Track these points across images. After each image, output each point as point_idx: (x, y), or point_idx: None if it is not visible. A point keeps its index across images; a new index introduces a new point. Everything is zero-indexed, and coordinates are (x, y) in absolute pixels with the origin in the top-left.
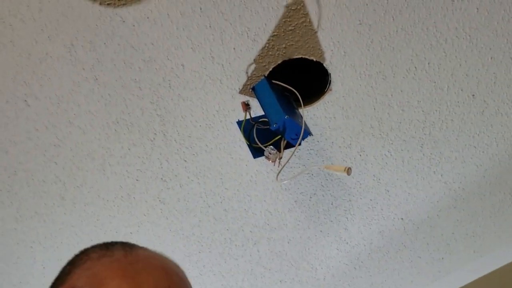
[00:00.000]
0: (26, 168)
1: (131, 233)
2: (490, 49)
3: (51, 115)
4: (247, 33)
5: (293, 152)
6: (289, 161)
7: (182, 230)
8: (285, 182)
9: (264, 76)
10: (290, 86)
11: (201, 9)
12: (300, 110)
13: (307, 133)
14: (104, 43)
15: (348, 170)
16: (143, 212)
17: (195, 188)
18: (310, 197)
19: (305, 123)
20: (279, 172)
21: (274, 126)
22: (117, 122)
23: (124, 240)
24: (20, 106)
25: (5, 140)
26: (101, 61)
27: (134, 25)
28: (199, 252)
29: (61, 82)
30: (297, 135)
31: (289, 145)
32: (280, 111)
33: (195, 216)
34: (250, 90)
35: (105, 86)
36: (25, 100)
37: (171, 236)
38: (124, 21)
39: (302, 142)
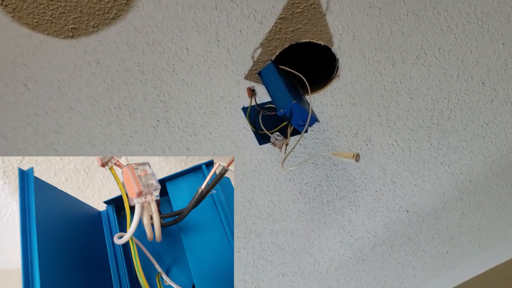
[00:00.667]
0: (25, 155)
1: None
2: (501, 35)
3: (51, 100)
4: (253, 15)
5: (300, 138)
6: (295, 149)
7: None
8: (291, 169)
9: (271, 60)
10: (297, 72)
11: None
12: (307, 97)
13: (314, 119)
14: (107, 25)
15: (357, 157)
16: None
17: None
18: (315, 188)
19: (312, 109)
20: (285, 158)
21: (281, 112)
22: (119, 108)
23: None
24: (19, 90)
25: (4, 126)
26: (104, 43)
27: (138, 6)
28: None
29: (62, 65)
30: (304, 121)
31: (295, 132)
32: (287, 96)
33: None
34: (256, 75)
35: (107, 70)
36: (25, 84)
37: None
38: (127, 2)
39: (308, 130)
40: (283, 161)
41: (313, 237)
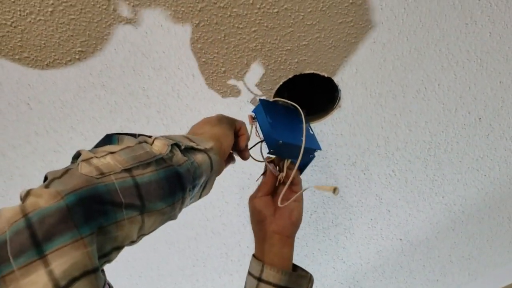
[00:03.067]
0: (23, 173)
1: None
2: (499, 73)
3: (53, 120)
4: (261, 48)
5: (292, 174)
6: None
7: (178, 243)
8: (285, 204)
9: (259, 100)
10: (295, 103)
11: (216, 22)
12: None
13: (314, 148)
14: (115, 49)
15: (335, 190)
16: None
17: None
18: (311, 214)
19: (314, 136)
20: (282, 196)
21: (271, 152)
22: (121, 129)
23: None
24: (22, 109)
25: (4, 143)
26: (110, 67)
27: (146, 32)
28: (194, 266)
29: (66, 87)
30: (310, 156)
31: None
32: (272, 137)
33: (192, 229)
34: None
35: (112, 93)
36: (28, 103)
37: (166, 249)
38: (136, 28)
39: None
40: (280, 199)
41: (306, 263)
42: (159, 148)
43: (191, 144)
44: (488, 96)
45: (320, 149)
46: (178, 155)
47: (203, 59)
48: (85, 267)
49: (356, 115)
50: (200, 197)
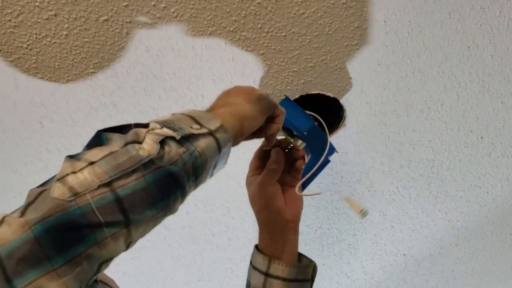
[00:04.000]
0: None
1: (132, 258)
2: (501, 94)
3: (64, 138)
4: (268, 69)
5: (319, 163)
6: None
7: (184, 258)
8: (304, 193)
9: (285, 95)
10: (311, 112)
11: (225, 43)
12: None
13: (333, 148)
14: (127, 70)
15: (363, 213)
16: (146, 238)
17: (201, 215)
18: (316, 230)
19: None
20: (301, 182)
21: (304, 134)
22: None
23: (125, 267)
24: (34, 127)
25: (15, 160)
26: (122, 87)
27: (158, 55)
28: (199, 281)
29: (78, 106)
30: (323, 149)
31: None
32: (308, 119)
33: (198, 244)
34: None
35: (123, 112)
36: (40, 122)
37: (172, 263)
38: (148, 50)
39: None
40: (298, 186)
41: None
42: (148, 147)
43: (191, 131)
44: (490, 116)
45: (336, 151)
46: (172, 150)
47: (212, 79)
48: None
49: (360, 134)
50: (212, 175)
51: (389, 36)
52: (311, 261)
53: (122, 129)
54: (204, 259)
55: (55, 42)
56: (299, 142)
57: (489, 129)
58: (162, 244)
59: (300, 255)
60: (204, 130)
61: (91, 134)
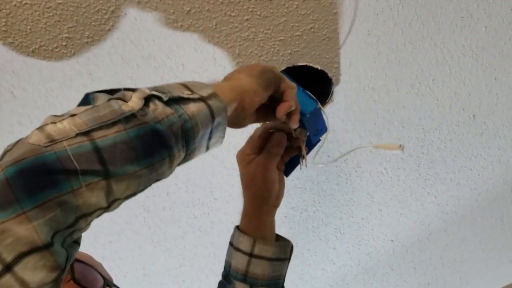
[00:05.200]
0: None
1: (110, 241)
2: (494, 69)
3: (37, 109)
4: (253, 37)
5: (323, 142)
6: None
7: (164, 242)
8: (321, 165)
9: (283, 70)
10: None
11: (208, 9)
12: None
13: (326, 127)
14: (103, 36)
15: (401, 147)
16: (125, 219)
17: (182, 196)
18: (301, 213)
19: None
20: (315, 156)
21: (306, 117)
22: None
23: (104, 251)
24: (5, 97)
25: None
26: (97, 55)
27: (136, 19)
28: (180, 266)
29: (52, 75)
30: (319, 130)
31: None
32: (311, 100)
33: (179, 227)
34: None
35: (99, 82)
36: (12, 92)
37: (152, 247)
38: (126, 14)
39: None
40: (305, 161)
41: (295, 264)
42: (132, 103)
43: (180, 94)
44: (482, 93)
45: (327, 130)
46: (158, 109)
47: (193, 47)
48: (33, 243)
49: (348, 110)
50: (208, 148)
51: (379, 3)
52: (288, 240)
53: (111, 92)
54: (186, 243)
55: (26, 3)
56: (299, 130)
57: (482, 107)
58: (142, 227)
59: (277, 235)
60: (195, 96)
61: (65, 105)
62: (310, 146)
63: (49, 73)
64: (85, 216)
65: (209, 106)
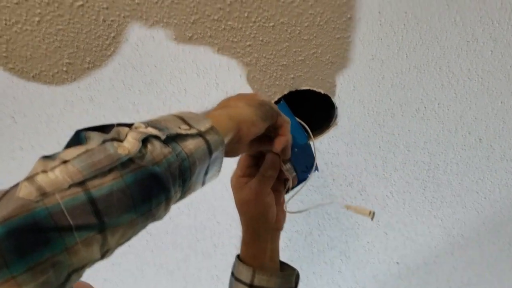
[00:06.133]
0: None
1: (112, 264)
2: (501, 93)
3: (38, 135)
4: (256, 62)
5: (305, 183)
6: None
7: (167, 265)
8: (293, 212)
9: (283, 99)
10: (299, 119)
11: (210, 35)
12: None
13: (317, 167)
14: (104, 62)
15: (373, 214)
16: (127, 242)
17: (185, 220)
18: (306, 237)
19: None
20: (288, 201)
21: (296, 151)
22: None
23: (106, 273)
24: (6, 123)
25: None
26: (99, 80)
27: (137, 45)
28: None
29: (53, 100)
30: (308, 167)
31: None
32: (302, 135)
33: (182, 250)
34: None
35: (100, 107)
36: (13, 117)
37: (154, 270)
38: (127, 40)
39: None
40: (285, 204)
41: (300, 287)
42: (128, 145)
43: (179, 130)
44: (489, 117)
45: (318, 171)
46: (156, 150)
47: (196, 73)
48: None
49: (353, 134)
50: (204, 183)
51: (383, 28)
52: (293, 269)
53: (104, 129)
54: (188, 266)
55: (26, 29)
56: (288, 166)
57: (488, 131)
58: (144, 250)
59: (282, 263)
60: (193, 131)
61: (66, 130)
62: (297, 182)
63: (50, 99)
64: (78, 270)
65: (207, 142)
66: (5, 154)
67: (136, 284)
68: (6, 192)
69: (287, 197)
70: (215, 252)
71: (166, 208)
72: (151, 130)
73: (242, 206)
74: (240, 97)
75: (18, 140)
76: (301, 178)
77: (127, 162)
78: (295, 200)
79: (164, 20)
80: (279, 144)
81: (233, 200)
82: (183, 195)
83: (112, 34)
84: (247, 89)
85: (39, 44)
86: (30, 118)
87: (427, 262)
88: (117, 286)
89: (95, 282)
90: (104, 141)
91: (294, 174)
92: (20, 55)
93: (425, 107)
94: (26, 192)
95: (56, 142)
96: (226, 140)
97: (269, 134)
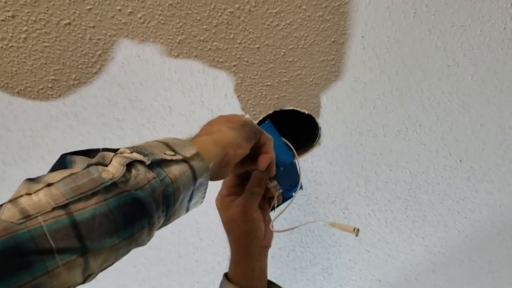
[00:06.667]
0: None
1: (95, 279)
2: (481, 116)
3: (22, 149)
4: (241, 82)
5: (291, 201)
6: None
7: (149, 280)
8: (280, 231)
9: (268, 118)
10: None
11: (196, 55)
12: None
13: (301, 185)
14: (89, 79)
15: (357, 231)
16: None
17: (168, 235)
18: (288, 253)
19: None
20: (274, 220)
21: (280, 169)
22: None
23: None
24: None
25: None
26: (84, 96)
27: (123, 63)
28: None
29: (37, 115)
30: (292, 185)
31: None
32: (288, 154)
33: (164, 265)
34: None
35: (85, 123)
36: None
37: (136, 285)
38: (113, 58)
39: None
40: (271, 223)
41: None
42: (113, 169)
43: (164, 156)
44: (469, 138)
45: (302, 189)
46: (140, 175)
47: (181, 91)
48: None
49: (336, 153)
50: (188, 210)
51: (366, 51)
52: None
53: (89, 153)
54: (171, 282)
55: (12, 46)
56: (274, 183)
57: (468, 152)
58: (126, 265)
59: (270, 283)
60: (178, 157)
61: (50, 145)
62: (282, 200)
63: (35, 114)
64: None
65: (191, 168)
66: None
67: None
68: None
69: (273, 216)
70: (197, 268)
71: (149, 234)
72: (136, 155)
73: (231, 224)
74: (222, 120)
75: (1, 154)
76: (286, 196)
77: (111, 186)
78: (279, 217)
79: (151, 40)
80: (263, 161)
81: (217, 216)
82: (166, 221)
83: (98, 52)
84: (232, 108)
85: (24, 61)
86: (14, 132)
87: (408, 280)
88: None
89: None
90: (88, 165)
91: (280, 191)
92: (6, 70)
93: (406, 128)
94: (9, 214)
95: (40, 156)
96: (211, 166)
97: (253, 153)
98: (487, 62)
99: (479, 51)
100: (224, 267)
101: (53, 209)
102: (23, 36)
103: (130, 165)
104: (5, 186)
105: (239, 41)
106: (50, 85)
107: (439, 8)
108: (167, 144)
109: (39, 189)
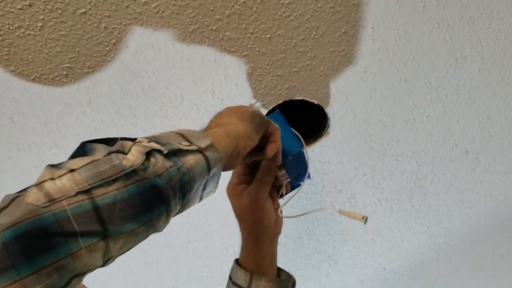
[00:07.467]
0: (2, 187)
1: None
2: (487, 108)
3: (36, 135)
4: (252, 72)
5: (299, 189)
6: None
7: (157, 264)
8: (289, 217)
9: (278, 107)
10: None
11: (208, 45)
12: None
13: (309, 174)
14: (103, 67)
15: (366, 220)
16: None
17: (177, 220)
18: (295, 241)
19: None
20: (283, 205)
21: (289, 159)
22: None
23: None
24: (4, 123)
25: None
26: (98, 84)
27: (137, 52)
28: None
29: (52, 102)
30: (301, 174)
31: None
32: (296, 143)
33: (173, 250)
34: None
35: (98, 110)
36: (11, 117)
37: (144, 269)
38: (127, 47)
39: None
40: (280, 209)
41: None
42: (132, 157)
43: (180, 146)
44: (475, 130)
45: (309, 178)
46: (158, 163)
47: (193, 80)
48: None
49: (344, 143)
50: (201, 198)
51: (376, 43)
52: (290, 275)
53: (108, 142)
54: (179, 266)
55: (29, 34)
56: (282, 172)
57: (474, 143)
58: (135, 248)
59: (279, 269)
60: (193, 147)
61: (64, 131)
62: (290, 188)
63: (49, 100)
64: (79, 275)
65: (206, 158)
66: (2, 153)
67: (126, 283)
68: (15, 197)
69: (281, 202)
70: (206, 253)
71: (166, 220)
72: (154, 145)
73: (243, 213)
74: (231, 112)
75: (15, 139)
76: (294, 185)
77: (131, 173)
78: (286, 206)
79: (164, 29)
80: (270, 150)
81: (225, 203)
82: (182, 208)
83: (113, 41)
84: (242, 98)
85: (40, 49)
86: (28, 118)
87: (412, 268)
88: (107, 284)
89: (84, 281)
90: (109, 153)
91: (288, 180)
92: (22, 58)
93: (414, 119)
94: (34, 198)
95: (53, 142)
96: (224, 157)
97: (260, 143)
98: (494, 55)
99: (486, 44)
100: (232, 252)
101: (77, 193)
102: (40, 24)
103: (148, 153)
104: (19, 170)
105: (250, 31)
106: (65, 73)
107: (448, 2)
108: (182, 135)
109: (62, 175)
